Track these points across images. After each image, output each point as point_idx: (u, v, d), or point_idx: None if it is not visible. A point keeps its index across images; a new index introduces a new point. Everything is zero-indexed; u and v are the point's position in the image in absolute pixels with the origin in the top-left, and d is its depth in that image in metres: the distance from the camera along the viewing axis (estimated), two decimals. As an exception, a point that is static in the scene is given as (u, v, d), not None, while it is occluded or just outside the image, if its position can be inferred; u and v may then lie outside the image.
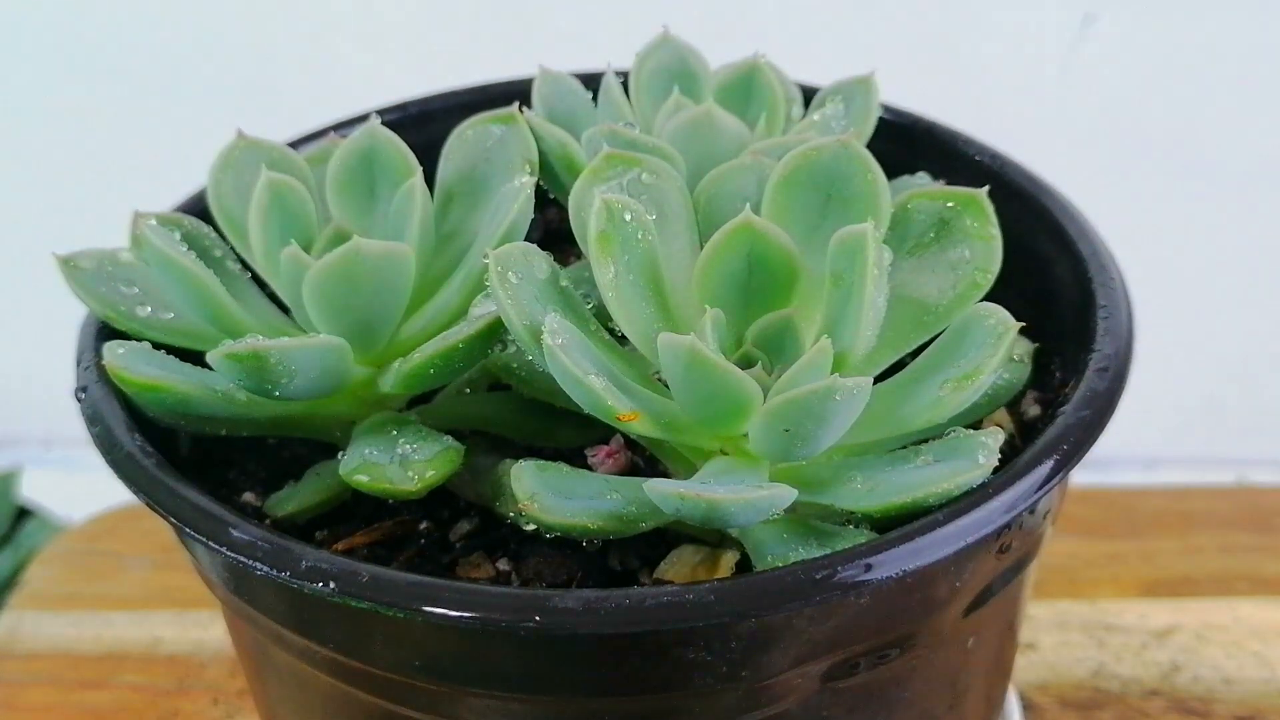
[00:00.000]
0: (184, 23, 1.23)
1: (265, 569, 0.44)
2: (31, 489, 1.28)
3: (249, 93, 1.22)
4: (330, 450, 0.55)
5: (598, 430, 0.54)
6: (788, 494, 0.44)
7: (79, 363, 0.53)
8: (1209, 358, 1.15)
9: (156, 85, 1.25)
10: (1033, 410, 0.55)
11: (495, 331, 0.49)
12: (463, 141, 0.57)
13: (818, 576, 0.43)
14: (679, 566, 0.51)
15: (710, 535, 0.51)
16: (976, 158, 0.61)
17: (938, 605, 0.48)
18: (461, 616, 0.42)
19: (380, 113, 0.65)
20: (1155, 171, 1.15)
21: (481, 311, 0.49)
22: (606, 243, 0.49)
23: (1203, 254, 1.12)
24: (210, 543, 0.45)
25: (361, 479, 0.48)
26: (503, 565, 0.52)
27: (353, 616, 0.45)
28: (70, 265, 0.54)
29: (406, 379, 0.49)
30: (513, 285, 0.48)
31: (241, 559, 0.44)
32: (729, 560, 0.50)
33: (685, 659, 0.44)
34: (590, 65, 0.63)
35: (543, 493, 0.46)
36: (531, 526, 0.46)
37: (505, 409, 0.55)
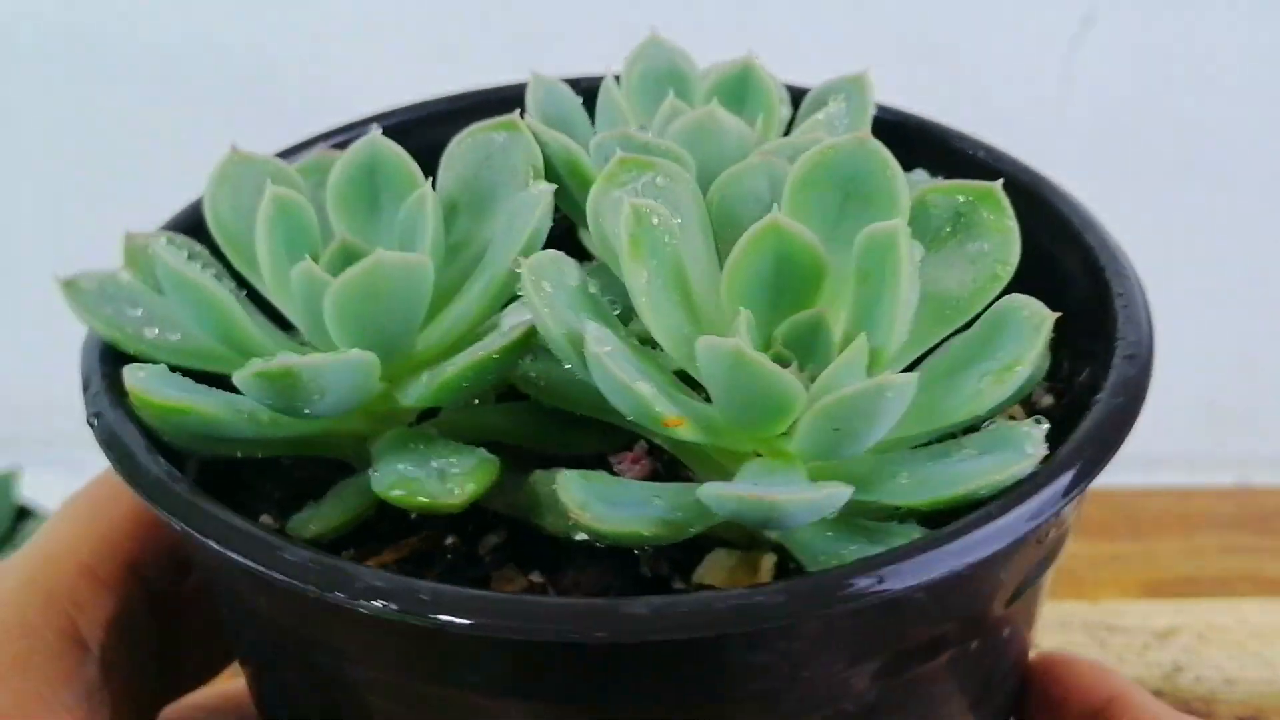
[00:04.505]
0: (183, 23, 1.23)
1: (325, 592, 0.43)
2: (31, 489, 1.28)
3: (249, 93, 1.22)
4: (341, 468, 0.54)
5: (615, 438, 0.54)
6: (844, 491, 0.44)
7: (87, 388, 0.51)
8: (1209, 358, 1.15)
9: (154, 86, 1.24)
10: (1045, 400, 0.56)
11: (528, 341, 0.48)
12: (464, 149, 0.56)
13: (883, 573, 0.43)
14: (716, 571, 0.50)
15: (741, 538, 0.51)
16: (972, 153, 0.61)
17: (987, 598, 0.48)
18: (530, 628, 0.41)
19: (370, 121, 0.64)
20: (1155, 172, 1.16)
21: (515, 321, 0.49)
22: (638, 248, 0.48)
23: (1203, 254, 1.13)
24: (262, 567, 0.44)
25: (399, 494, 0.47)
26: (535, 578, 0.51)
27: (403, 634, 0.44)
28: (72, 287, 0.53)
29: (438, 392, 0.49)
30: (548, 294, 0.47)
31: (295, 583, 0.43)
32: (768, 563, 0.50)
33: (750, 662, 0.44)
34: (578, 69, 0.63)
35: (593, 502, 0.45)
36: (582, 536, 0.46)
37: (519, 419, 0.54)
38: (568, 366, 0.48)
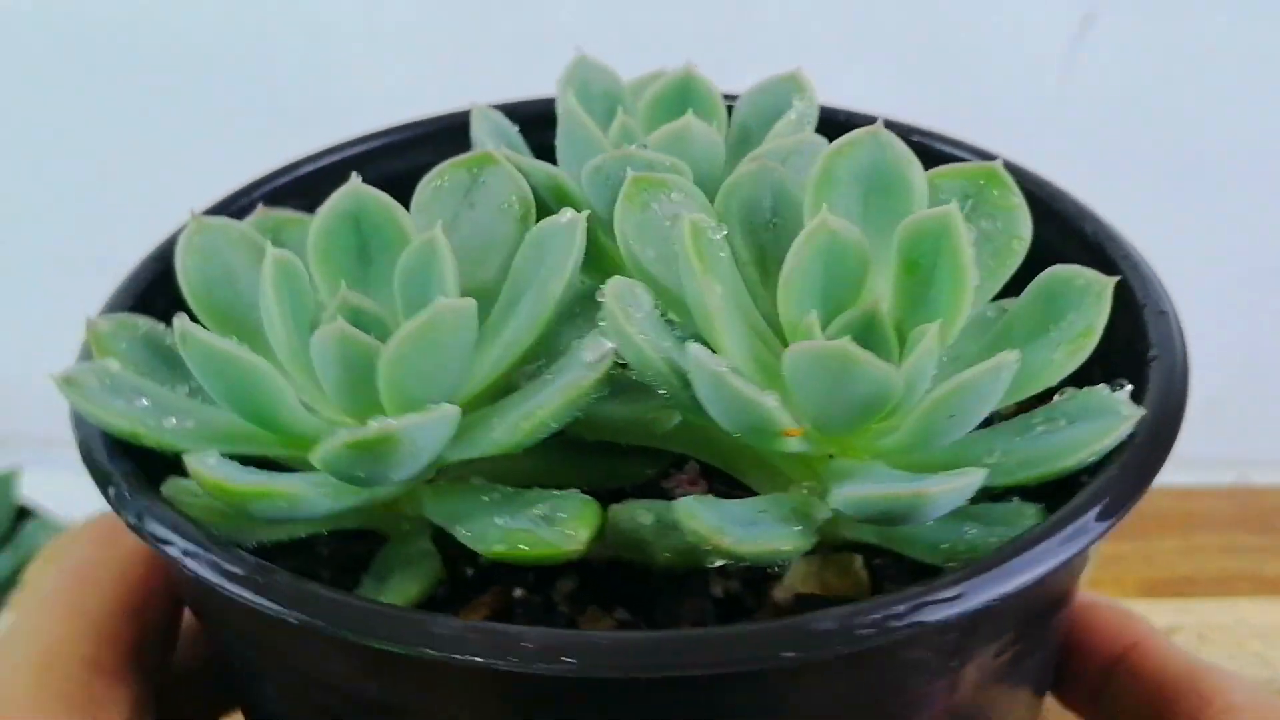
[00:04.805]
0: (182, 23, 1.21)
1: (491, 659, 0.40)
2: (31, 489, 1.30)
3: (249, 93, 1.20)
4: (363, 537, 0.51)
5: (657, 463, 0.53)
6: (979, 475, 0.44)
7: (110, 492, 0.47)
8: (1209, 358, 1.14)
9: (153, 86, 1.23)
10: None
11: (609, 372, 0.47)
12: (435, 190, 0.54)
13: (1035, 556, 0.43)
14: (808, 579, 0.50)
15: (833, 543, 0.50)
16: (940, 149, 0.62)
17: (1072, 579, 0.49)
18: (729, 658, 0.40)
19: (298, 165, 0.62)
20: (1155, 172, 1.17)
21: (598, 354, 0.47)
22: (705, 263, 0.47)
23: (1202, 254, 1.12)
24: (412, 645, 0.41)
25: (507, 549, 0.45)
26: (622, 615, 0.49)
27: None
28: (72, 385, 0.48)
29: (529, 435, 0.46)
30: (637, 320, 0.46)
31: (451, 655, 0.41)
32: (857, 563, 0.50)
33: (923, 661, 0.44)
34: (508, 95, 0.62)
35: (729, 525, 0.44)
36: (719, 562, 0.45)
37: (557, 458, 0.52)
38: (661, 391, 0.47)
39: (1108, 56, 1.16)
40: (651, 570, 0.49)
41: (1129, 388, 0.48)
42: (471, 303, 0.47)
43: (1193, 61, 1.16)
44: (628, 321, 0.46)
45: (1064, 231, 0.57)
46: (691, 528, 0.44)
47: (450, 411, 0.44)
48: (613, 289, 0.46)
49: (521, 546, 0.45)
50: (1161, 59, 1.16)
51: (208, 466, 0.44)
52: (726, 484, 0.53)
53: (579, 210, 0.52)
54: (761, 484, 0.51)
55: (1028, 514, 0.47)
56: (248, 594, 0.43)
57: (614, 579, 0.50)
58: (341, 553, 0.52)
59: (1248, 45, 1.15)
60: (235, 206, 0.60)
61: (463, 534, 0.46)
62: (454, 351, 0.47)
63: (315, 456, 0.44)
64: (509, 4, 1.16)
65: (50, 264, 1.30)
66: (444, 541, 0.50)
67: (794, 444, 0.46)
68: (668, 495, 0.52)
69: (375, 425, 0.43)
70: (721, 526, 0.44)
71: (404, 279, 0.50)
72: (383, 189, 0.52)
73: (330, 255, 0.52)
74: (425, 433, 0.44)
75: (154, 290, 0.56)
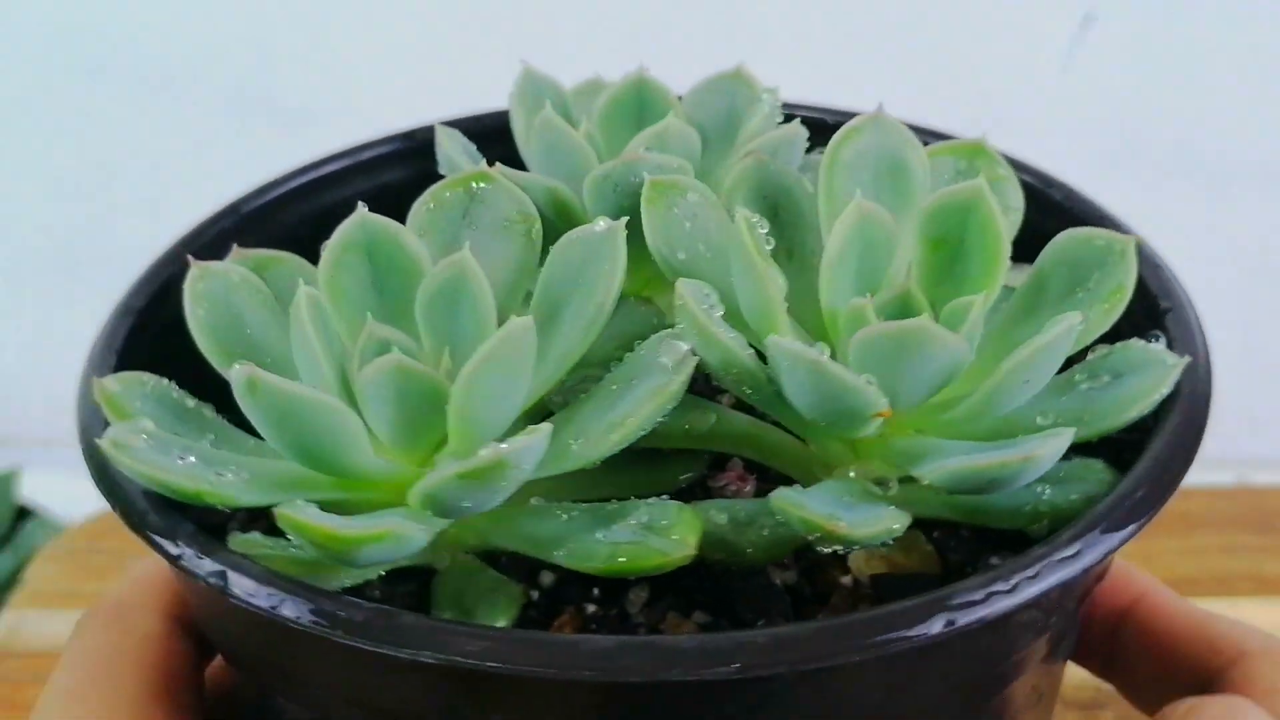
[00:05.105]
0: (181, 23, 1.20)
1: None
2: (31, 489, 1.32)
3: (249, 92, 1.19)
4: (406, 576, 0.50)
5: (698, 464, 0.53)
6: (1068, 433, 0.45)
7: (185, 553, 0.44)
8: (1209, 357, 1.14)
9: (153, 86, 1.22)
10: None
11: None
12: (434, 213, 0.53)
13: (1140, 504, 0.45)
14: (868, 559, 0.50)
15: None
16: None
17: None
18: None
19: (265, 190, 0.61)
20: (1155, 172, 1.17)
21: (677, 356, 0.46)
22: (765, 257, 0.47)
23: (1202, 253, 1.08)
24: (602, 673, 0.40)
25: (627, 562, 0.44)
26: (699, 618, 0.49)
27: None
28: (122, 449, 0.45)
29: (617, 446, 0.46)
30: (716, 319, 0.46)
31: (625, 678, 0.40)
32: (922, 538, 0.51)
33: (1026, 621, 0.45)
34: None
35: (839, 512, 0.44)
36: (834, 548, 0.45)
37: (604, 468, 0.51)
38: (746, 390, 0.47)
39: (1108, 56, 1.17)
40: (715, 572, 0.49)
41: (1163, 339, 0.50)
42: (531, 321, 0.46)
43: (1193, 61, 1.17)
44: (710, 321, 0.46)
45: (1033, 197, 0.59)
46: (801, 517, 0.44)
47: (546, 430, 0.44)
48: (688, 290, 0.46)
49: (621, 560, 0.45)
50: (1161, 59, 1.17)
51: (311, 516, 0.42)
52: (767, 480, 0.53)
53: (582, 220, 0.52)
54: (802, 474, 0.52)
55: (1095, 470, 0.48)
56: (367, 638, 0.41)
57: (684, 583, 0.50)
58: (391, 595, 0.50)
59: (1248, 45, 1.17)
60: (196, 246, 0.58)
61: (558, 555, 0.46)
62: (523, 373, 0.46)
63: (418, 490, 0.43)
64: (508, 6, 1.16)
65: (50, 265, 1.31)
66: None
67: (875, 425, 0.46)
68: (719, 494, 0.52)
69: (486, 452, 0.42)
70: (833, 513, 0.44)
71: (429, 307, 0.49)
72: (328, 218, 0.51)
73: (344, 289, 0.50)
74: (529, 455, 0.43)
75: (134, 344, 0.54)
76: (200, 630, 0.53)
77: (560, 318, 0.49)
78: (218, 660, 0.56)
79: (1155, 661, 0.55)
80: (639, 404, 0.45)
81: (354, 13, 1.20)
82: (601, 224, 0.49)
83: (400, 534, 0.43)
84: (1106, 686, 0.57)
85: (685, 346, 0.46)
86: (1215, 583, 0.84)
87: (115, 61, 1.23)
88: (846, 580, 0.50)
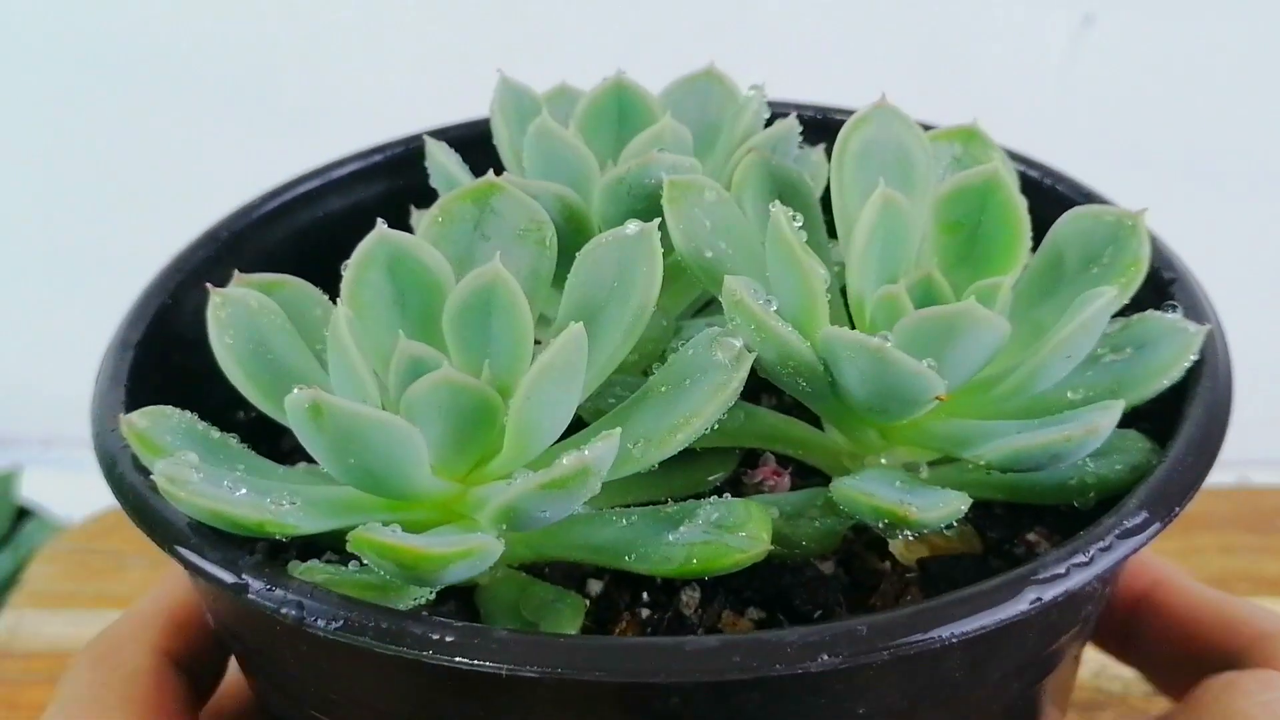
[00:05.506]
0: (182, 23, 1.20)
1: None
2: (31, 489, 1.31)
3: (248, 92, 1.20)
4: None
5: (731, 461, 0.53)
6: (1119, 404, 0.46)
7: (252, 583, 0.43)
8: None
9: (154, 85, 1.21)
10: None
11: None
12: (446, 225, 0.52)
13: (1196, 468, 0.46)
14: (907, 544, 0.51)
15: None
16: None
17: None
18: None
19: (247, 212, 0.60)
20: (1155, 172, 1.15)
21: (732, 353, 0.46)
22: (806, 250, 0.48)
23: (1201, 254, 1.08)
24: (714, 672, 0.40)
25: (701, 563, 0.44)
26: (753, 615, 0.49)
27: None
28: (178, 484, 0.44)
29: (681, 445, 0.45)
30: (773, 313, 0.46)
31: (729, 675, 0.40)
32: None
33: (1087, 592, 0.46)
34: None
35: (907, 498, 0.45)
36: (906, 533, 0.45)
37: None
38: (801, 383, 0.47)
39: (1108, 56, 1.17)
40: (760, 569, 0.49)
41: (1180, 308, 0.51)
42: (582, 328, 0.45)
43: (1193, 61, 1.17)
44: (768, 315, 0.46)
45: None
46: (873, 505, 0.44)
47: (616, 434, 0.43)
48: (741, 285, 0.46)
49: (695, 561, 0.44)
50: (1161, 59, 1.17)
51: (392, 537, 0.41)
52: (798, 473, 0.53)
53: (592, 225, 0.52)
54: (830, 465, 0.52)
55: (1134, 440, 0.49)
56: (442, 653, 0.40)
57: (733, 582, 0.49)
58: (435, 614, 0.49)
59: (1248, 45, 1.17)
60: (182, 275, 0.57)
61: (628, 560, 0.45)
62: (579, 381, 0.45)
63: (494, 505, 0.43)
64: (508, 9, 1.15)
65: (50, 266, 1.29)
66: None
67: (929, 408, 0.47)
68: (755, 490, 0.52)
69: (570, 460, 0.42)
70: (902, 499, 0.45)
71: (458, 320, 0.48)
72: (305, 238, 0.52)
73: (367, 305, 0.49)
74: (606, 460, 0.43)
75: (138, 376, 0.53)
76: (201, 664, 0.53)
77: (598, 323, 0.49)
78: (219, 691, 0.56)
79: (1175, 643, 0.56)
80: (702, 403, 0.45)
81: (354, 13, 1.19)
82: (632, 226, 0.49)
83: (483, 549, 0.42)
84: (1106, 687, 0.57)
85: (739, 343, 0.46)
86: (1213, 582, 0.82)
87: (115, 61, 1.22)
88: (885, 566, 0.51)
